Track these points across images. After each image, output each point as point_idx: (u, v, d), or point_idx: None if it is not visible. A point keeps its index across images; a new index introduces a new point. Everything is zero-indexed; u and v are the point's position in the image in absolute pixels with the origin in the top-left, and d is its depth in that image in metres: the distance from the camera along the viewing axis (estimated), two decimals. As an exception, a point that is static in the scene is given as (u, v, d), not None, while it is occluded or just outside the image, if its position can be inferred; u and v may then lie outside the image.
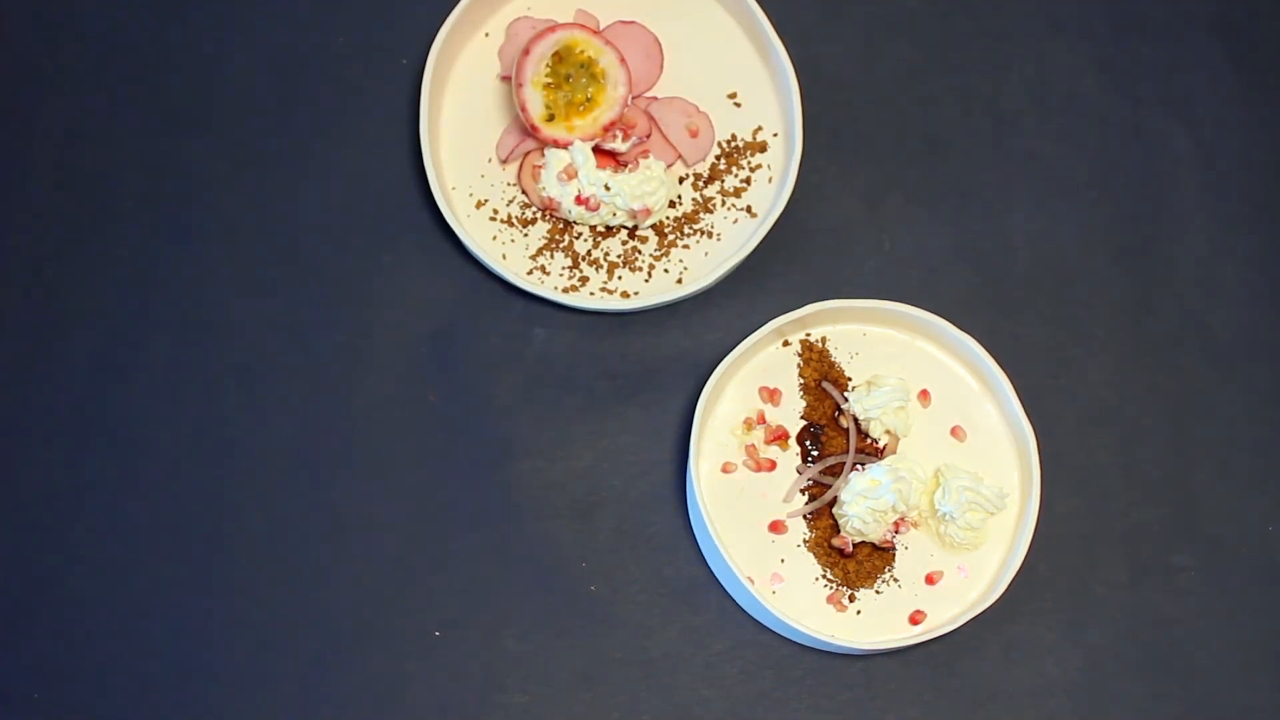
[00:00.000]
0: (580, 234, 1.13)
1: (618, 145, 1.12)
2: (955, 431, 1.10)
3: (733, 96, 1.16)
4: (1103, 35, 1.20)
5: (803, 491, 1.08)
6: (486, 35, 1.17)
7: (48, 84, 1.16)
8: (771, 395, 1.09)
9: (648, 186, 1.10)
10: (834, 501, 1.06)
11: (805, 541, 1.07)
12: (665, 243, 1.13)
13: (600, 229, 1.13)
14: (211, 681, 1.05)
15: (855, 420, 1.08)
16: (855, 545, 1.07)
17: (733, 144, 1.15)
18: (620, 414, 1.10)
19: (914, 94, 1.18)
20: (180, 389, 1.10)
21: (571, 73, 1.11)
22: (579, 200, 1.10)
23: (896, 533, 1.07)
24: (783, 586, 1.06)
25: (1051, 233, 1.16)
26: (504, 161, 1.14)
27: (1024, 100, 1.17)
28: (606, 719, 1.05)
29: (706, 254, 1.13)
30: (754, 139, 1.15)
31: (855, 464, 1.07)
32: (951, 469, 1.06)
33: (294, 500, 1.08)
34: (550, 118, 1.11)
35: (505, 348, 1.11)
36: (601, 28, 1.15)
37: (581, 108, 1.11)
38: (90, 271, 1.13)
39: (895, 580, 1.07)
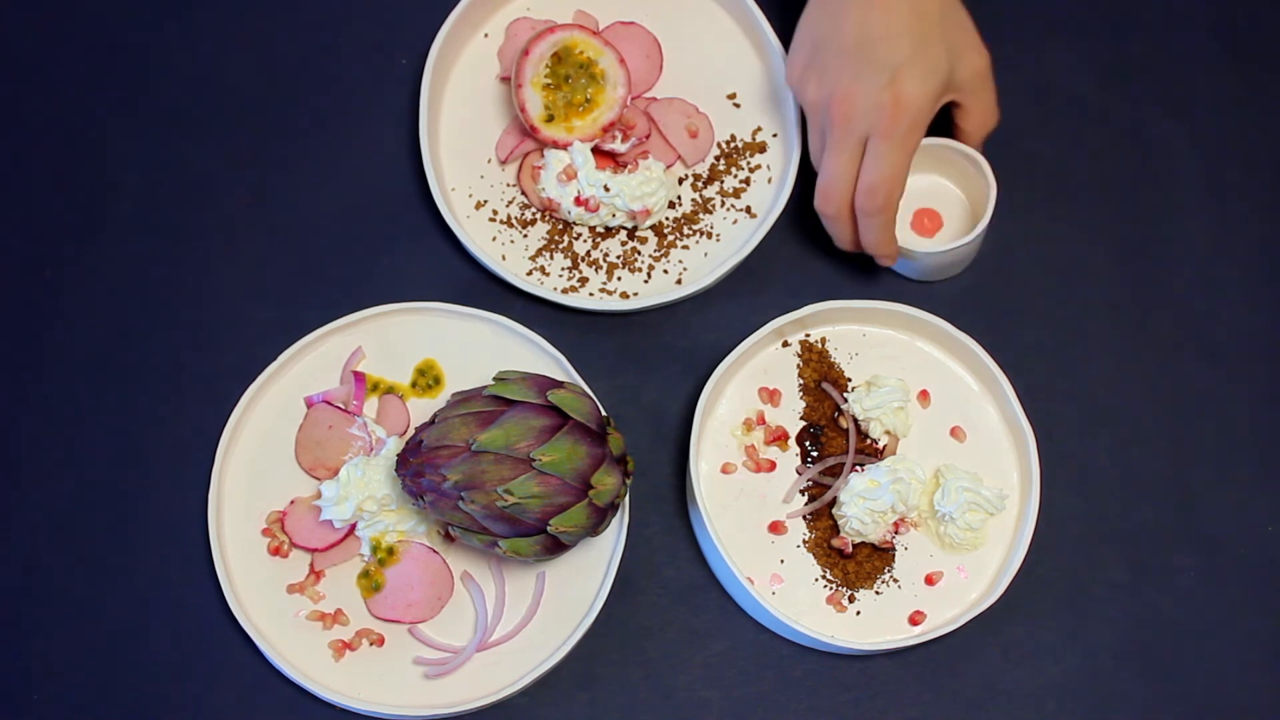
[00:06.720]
0: (580, 235, 1.13)
1: (617, 146, 1.12)
2: (955, 432, 1.09)
3: (732, 97, 1.16)
4: (1102, 35, 1.19)
5: (802, 492, 1.08)
6: (486, 36, 1.17)
7: (48, 84, 1.16)
8: (771, 396, 1.09)
9: (647, 187, 1.10)
10: (833, 502, 1.06)
11: (805, 542, 1.07)
12: (665, 243, 1.13)
13: (600, 230, 1.13)
14: (211, 682, 1.05)
15: (855, 421, 1.08)
16: (855, 546, 1.07)
17: (732, 144, 1.14)
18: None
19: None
20: (180, 389, 1.10)
21: (571, 73, 1.11)
22: (578, 201, 1.10)
23: (896, 533, 1.07)
24: (782, 587, 1.06)
25: (1051, 233, 1.16)
26: (504, 162, 1.14)
27: (1024, 100, 1.17)
28: (606, 719, 1.05)
29: (706, 254, 1.13)
30: (753, 139, 1.14)
31: (855, 465, 1.07)
32: (951, 469, 1.06)
33: (294, 501, 1.08)
34: (550, 118, 1.11)
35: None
36: (601, 28, 1.15)
37: (581, 108, 1.11)
38: (90, 271, 1.13)
39: (895, 581, 1.07)
